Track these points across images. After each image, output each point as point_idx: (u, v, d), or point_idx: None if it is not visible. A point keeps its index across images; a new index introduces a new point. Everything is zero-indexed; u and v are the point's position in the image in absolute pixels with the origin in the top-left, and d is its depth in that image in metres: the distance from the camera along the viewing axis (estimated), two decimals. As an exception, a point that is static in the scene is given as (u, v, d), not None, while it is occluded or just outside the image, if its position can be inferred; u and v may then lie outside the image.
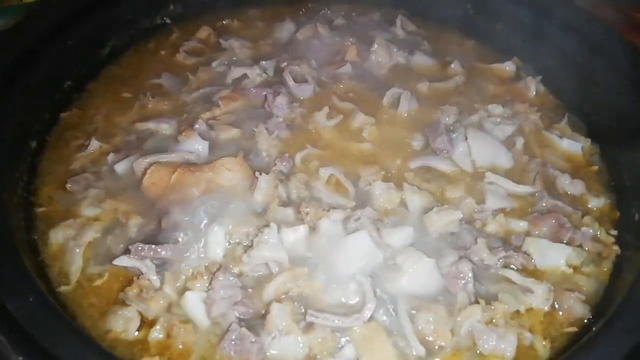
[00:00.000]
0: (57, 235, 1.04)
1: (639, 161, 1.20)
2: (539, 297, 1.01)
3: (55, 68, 1.31)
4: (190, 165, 1.17)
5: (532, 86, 1.49)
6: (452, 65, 1.54)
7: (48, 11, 1.37)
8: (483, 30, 1.65)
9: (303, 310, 0.94)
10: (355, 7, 1.76)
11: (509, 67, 1.56)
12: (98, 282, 0.99)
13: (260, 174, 1.13)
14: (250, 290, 0.98)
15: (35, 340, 0.75)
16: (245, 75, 1.43)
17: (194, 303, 0.94)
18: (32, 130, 1.21)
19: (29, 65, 1.24)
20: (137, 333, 0.91)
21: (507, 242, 1.11)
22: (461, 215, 1.12)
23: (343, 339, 0.92)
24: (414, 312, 0.96)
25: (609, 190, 1.24)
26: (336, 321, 0.92)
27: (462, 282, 1.01)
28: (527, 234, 1.13)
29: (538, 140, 1.35)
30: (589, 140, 1.34)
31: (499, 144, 1.30)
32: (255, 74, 1.44)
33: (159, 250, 0.98)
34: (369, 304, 0.93)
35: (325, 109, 1.36)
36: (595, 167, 1.30)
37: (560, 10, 1.48)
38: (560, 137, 1.35)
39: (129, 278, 0.98)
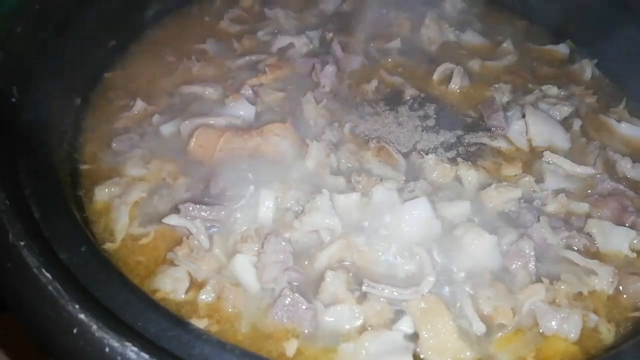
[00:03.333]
0: (102, 193, 1.01)
1: None
2: (603, 280, 0.96)
3: (100, 27, 1.28)
4: (238, 129, 1.13)
5: (588, 69, 1.44)
6: (505, 45, 1.48)
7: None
8: (536, 11, 1.59)
9: (358, 280, 0.89)
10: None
11: (562, 49, 1.51)
12: (144, 241, 0.95)
13: (312, 141, 1.09)
14: (302, 256, 0.94)
15: (88, 289, 0.71)
16: (291, 45, 1.39)
17: (244, 266, 0.90)
18: (76, 86, 1.18)
19: (73, 23, 1.20)
20: (185, 294, 0.87)
21: (568, 223, 1.05)
22: (520, 194, 1.07)
23: (400, 311, 0.88)
24: (473, 288, 0.92)
25: (672, 175, 1.19)
26: (394, 292, 0.87)
27: (524, 260, 0.96)
28: (589, 215, 1.07)
29: (595, 123, 1.30)
30: (648, 125, 1.29)
31: (557, 124, 1.25)
32: (301, 44, 1.40)
33: (208, 211, 0.94)
34: (428, 277, 0.88)
35: (374, 82, 1.32)
36: (657, 152, 1.24)
37: None
38: (619, 121, 1.30)
39: (176, 238, 0.95)
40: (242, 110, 1.19)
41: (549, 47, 1.52)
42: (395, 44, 1.44)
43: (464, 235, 0.96)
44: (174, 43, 1.38)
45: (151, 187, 1.03)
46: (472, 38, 1.51)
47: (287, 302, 0.86)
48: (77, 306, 0.67)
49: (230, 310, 0.87)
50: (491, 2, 1.66)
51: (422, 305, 0.87)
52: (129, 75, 1.28)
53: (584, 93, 1.36)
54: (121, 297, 0.73)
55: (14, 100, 0.96)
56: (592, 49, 1.49)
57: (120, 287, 0.75)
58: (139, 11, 1.40)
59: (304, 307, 0.86)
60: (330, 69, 1.30)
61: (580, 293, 0.95)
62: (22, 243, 0.71)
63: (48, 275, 0.69)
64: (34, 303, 0.69)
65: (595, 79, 1.44)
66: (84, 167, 1.07)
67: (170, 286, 0.88)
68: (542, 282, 0.92)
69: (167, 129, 1.14)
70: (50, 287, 0.68)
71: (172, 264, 0.90)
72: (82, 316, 0.66)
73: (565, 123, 1.27)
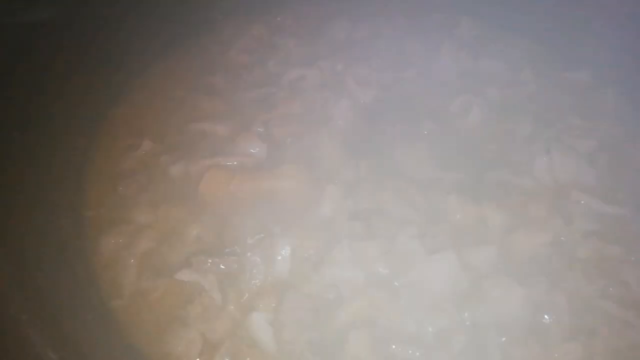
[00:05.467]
0: (109, 243, 0.96)
1: None
2: (642, 333, 0.90)
3: (105, 61, 1.23)
4: (250, 170, 1.08)
5: (611, 97, 1.38)
6: (523, 73, 1.43)
7: (96, 5, 1.29)
8: (554, 35, 1.54)
9: (383, 340, 0.84)
10: (413, 5, 1.67)
11: (583, 76, 1.45)
12: (153, 296, 0.90)
13: (327, 184, 1.04)
14: (321, 312, 0.88)
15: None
16: (302, 76, 1.35)
17: (260, 325, 0.85)
18: (80, 126, 1.13)
19: (78, 59, 1.16)
20: (198, 358, 0.82)
21: (602, 269, 0.99)
22: (549, 238, 1.01)
23: (428, 374, 0.82)
24: (505, 346, 0.86)
25: None
26: (417, 353, 0.82)
27: (557, 313, 0.90)
28: (623, 260, 1.01)
29: (622, 157, 1.24)
30: (680, 158, 1.23)
31: (582, 159, 1.19)
32: (313, 75, 1.35)
33: (222, 264, 0.89)
34: (458, 336, 0.83)
35: (390, 114, 1.26)
36: (693, 188, 1.18)
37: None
38: (647, 153, 1.24)
39: (187, 293, 0.90)
40: (253, 148, 1.14)
41: (570, 73, 1.46)
42: (411, 73, 1.38)
43: (493, 288, 0.90)
44: (182, 76, 1.34)
45: (160, 236, 0.98)
46: (489, 65, 1.45)
47: (307, 365, 0.80)
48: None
49: (246, 374, 0.81)
50: (507, 26, 1.61)
51: (452, 367, 0.81)
52: (136, 112, 1.23)
53: (609, 124, 1.30)
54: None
55: (16, 145, 0.91)
56: (616, 76, 1.44)
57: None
58: (146, 43, 1.35)
59: (325, 371, 0.80)
60: (344, 103, 1.25)
61: (618, 347, 0.89)
62: (25, 317, 0.66)
63: (54, 355, 0.63)
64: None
65: (620, 107, 1.38)
66: (89, 213, 1.02)
67: (182, 348, 0.82)
68: (577, 336, 0.87)
69: (176, 170, 1.09)
70: (54, 368, 0.62)
71: (183, 323, 0.85)
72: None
73: (591, 157, 1.21)
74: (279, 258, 0.92)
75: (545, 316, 0.90)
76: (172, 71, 1.36)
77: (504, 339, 0.86)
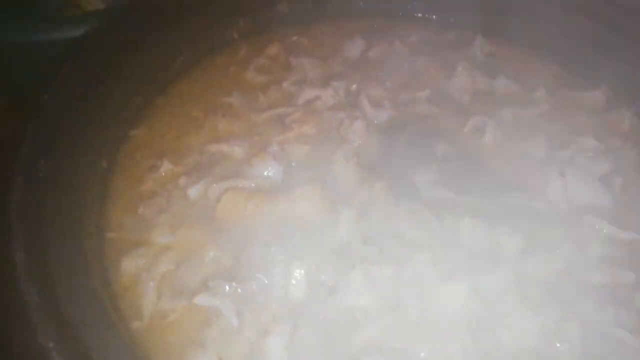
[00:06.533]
0: (129, 265, 0.98)
1: None
2: (656, 362, 0.90)
3: (126, 82, 1.27)
4: (266, 193, 1.10)
5: (627, 118, 1.38)
6: (537, 92, 1.43)
7: (118, 26, 1.33)
8: (569, 54, 1.54)
9: (397, 366, 0.85)
10: (427, 23, 1.69)
11: (598, 96, 1.45)
12: (172, 318, 0.92)
13: (342, 206, 1.06)
14: (336, 338, 0.90)
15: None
16: (317, 97, 1.37)
17: (276, 350, 0.87)
18: (102, 148, 1.16)
19: (101, 80, 1.20)
20: (217, 381, 0.84)
21: (614, 296, 1.00)
22: (563, 263, 1.02)
23: (442, 402, 0.83)
24: (518, 373, 0.87)
25: None
26: (435, 382, 0.83)
27: (569, 341, 0.90)
28: (637, 287, 1.01)
29: (637, 179, 1.24)
30: (696, 182, 1.23)
31: (596, 183, 1.19)
32: (328, 96, 1.37)
33: (239, 288, 0.91)
34: (471, 364, 0.84)
35: (404, 136, 1.28)
36: None
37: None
38: (663, 176, 1.24)
39: (205, 316, 0.92)
40: (269, 170, 1.17)
41: (584, 93, 1.46)
42: (425, 93, 1.40)
43: (506, 315, 0.91)
44: (200, 96, 1.37)
45: (179, 258, 1.00)
46: (503, 85, 1.46)
47: (321, 391, 0.82)
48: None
49: (262, 398, 0.84)
50: (521, 44, 1.61)
51: (465, 395, 0.83)
52: (155, 133, 1.26)
53: (625, 146, 1.30)
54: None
55: (42, 172, 0.94)
56: (631, 96, 1.43)
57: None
58: (164, 65, 1.39)
59: (339, 397, 0.82)
60: (358, 124, 1.27)
61: (632, 377, 0.89)
62: (51, 345, 0.69)
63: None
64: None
65: (635, 129, 1.37)
66: (110, 235, 1.05)
67: (200, 372, 0.85)
68: (590, 366, 0.88)
69: (194, 192, 1.12)
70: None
71: (201, 346, 0.87)
72: None
73: (606, 180, 1.21)
74: (294, 282, 0.94)
75: (558, 344, 0.90)
76: (190, 92, 1.39)
77: (517, 366, 0.87)
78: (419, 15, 1.73)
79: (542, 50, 1.60)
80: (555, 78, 1.52)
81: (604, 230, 1.10)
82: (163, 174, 1.16)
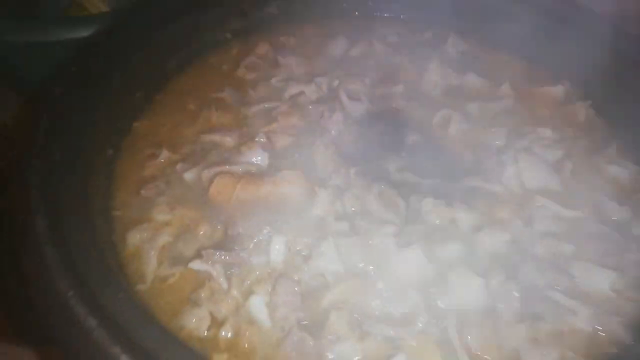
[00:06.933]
0: (134, 238, 1.14)
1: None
2: (583, 319, 1.05)
3: (129, 79, 1.42)
4: (253, 176, 1.26)
5: (582, 111, 1.52)
6: (503, 86, 1.58)
7: (122, 28, 1.48)
8: (535, 52, 1.68)
9: (359, 319, 1.01)
10: (407, 24, 1.83)
11: (558, 90, 1.59)
12: (170, 281, 1.08)
13: (319, 188, 1.21)
14: (309, 297, 1.05)
15: (126, 332, 0.84)
16: (302, 92, 1.52)
17: (258, 306, 1.02)
18: (108, 138, 1.32)
19: (107, 77, 1.35)
20: (207, 332, 1.00)
21: (553, 264, 1.15)
22: (509, 237, 1.17)
23: (395, 349, 0.99)
24: (462, 327, 1.02)
25: (656, 217, 1.27)
26: (390, 332, 0.99)
27: (509, 301, 1.06)
28: (574, 257, 1.16)
29: (586, 165, 1.38)
30: (636, 167, 1.37)
31: (548, 168, 1.34)
32: (311, 91, 1.52)
33: (227, 256, 1.07)
34: (420, 317, 1.00)
35: (379, 127, 1.43)
36: (643, 194, 1.32)
37: (614, 41, 1.50)
38: (608, 162, 1.38)
39: (198, 280, 1.07)
40: (257, 157, 1.32)
41: (546, 88, 1.60)
42: (399, 89, 1.54)
43: (455, 278, 1.06)
44: (195, 92, 1.52)
45: (176, 232, 1.16)
46: (473, 80, 1.60)
47: (295, 339, 0.98)
48: (118, 348, 0.80)
49: (246, 345, 0.99)
50: (491, 42, 1.76)
51: (415, 343, 0.98)
52: (155, 125, 1.42)
53: (577, 135, 1.44)
54: (156, 340, 0.85)
55: (57, 158, 1.10)
56: (588, 90, 1.58)
57: (153, 330, 0.88)
58: (162, 63, 1.54)
59: (310, 344, 0.98)
60: (337, 116, 1.42)
61: (561, 331, 1.04)
62: (70, 293, 0.84)
63: (94, 321, 0.81)
64: (81, 346, 0.82)
65: (589, 120, 1.52)
66: (116, 213, 1.20)
67: (194, 324, 1.00)
68: (525, 321, 1.03)
69: (189, 176, 1.27)
70: (95, 333, 0.81)
71: (195, 304, 1.03)
72: (123, 357, 0.79)
73: (557, 165, 1.36)
74: (274, 251, 1.09)
75: (499, 304, 1.05)
76: (187, 88, 1.54)
77: (462, 320, 1.02)
78: (400, 16, 1.87)
79: (511, 48, 1.74)
80: (521, 74, 1.66)
81: (550, 209, 1.25)
82: (162, 160, 1.31)
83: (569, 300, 1.07)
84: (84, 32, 1.58)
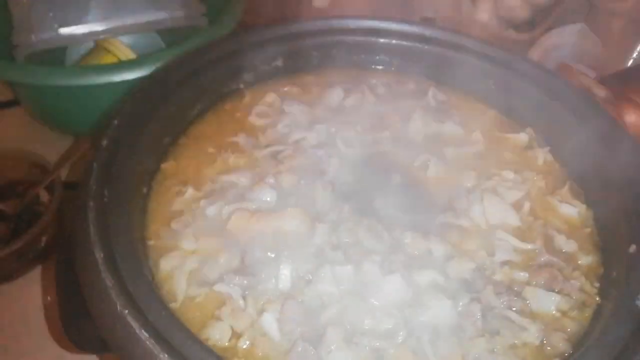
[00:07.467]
0: (166, 265, 1.37)
1: (621, 229, 1.47)
2: (532, 334, 1.29)
3: (160, 127, 1.67)
4: (264, 212, 1.50)
5: (541, 155, 1.78)
6: (475, 134, 1.84)
7: (152, 81, 1.74)
8: (503, 103, 1.95)
9: (351, 333, 1.25)
10: (394, 75, 2.10)
11: (522, 137, 1.85)
12: (197, 301, 1.32)
13: (319, 223, 1.46)
14: (310, 314, 1.30)
15: (170, 342, 1.08)
16: (304, 137, 1.77)
17: (269, 322, 1.26)
18: (142, 178, 1.56)
19: (143, 125, 1.59)
20: (228, 342, 1.24)
21: (510, 289, 1.39)
22: (475, 265, 1.42)
23: (379, 358, 1.23)
24: (434, 340, 1.26)
25: (597, 250, 1.52)
26: (377, 343, 1.23)
27: (473, 319, 1.30)
28: (527, 283, 1.41)
29: (542, 204, 1.64)
30: (584, 206, 1.63)
31: (509, 207, 1.59)
32: (312, 137, 1.77)
33: (244, 280, 1.32)
34: (401, 332, 1.24)
35: (369, 170, 1.69)
36: (589, 230, 1.58)
37: (567, 95, 1.77)
38: (561, 201, 1.64)
39: (220, 299, 1.31)
40: (266, 195, 1.56)
41: (512, 135, 1.87)
42: (386, 135, 1.81)
43: (429, 300, 1.31)
44: (213, 137, 1.77)
45: (201, 259, 1.40)
46: (450, 128, 1.86)
47: (299, 349, 1.22)
48: (165, 355, 1.04)
49: (260, 354, 1.23)
50: (467, 93, 2.02)
51: (396, 352, 1.22)
52: (180, 166, 1.66)
53: (536, 177, 1.70)
54: (190, 346, 1.09)
55: (105, 200, 1.35)
56: (548, 137, 1.84)
57: (189, 340, 1.12)
58: (185, 112, 1.80)
59: (312, 353, 1.22)
60: (334, 160, 1.68)
61: (514, 344, 1.29)
62: (126, 312, 1.09)
63: (145, 334, 1.06)
64: (135, 353, 1.06)
65: (547, 164, 1.77)
66: (151, 242, 1.44)
67: (217, 336, 1.24)
68: (485, 336, 1.28)
69: (211, 211, 1.51)
70: (147, 342, 1.05)
71: (218, 319, 1.27)
72: (167, 361, 1.03)
73: (518, 204, 1.62)
74: (282, 277, 1.34)
75: (464, 321, 1.30)
76: (206, 132, 1.79)
77: (434, 334, 1.26)
78: (390, 68, 2.13)
79: (485, 98, 2.01)
80: (492, 121, 1.93)
81: (510, 242, 1.51)
82: (188, 197, 1.56)
83: (521, 319, 1.32)
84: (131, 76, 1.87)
